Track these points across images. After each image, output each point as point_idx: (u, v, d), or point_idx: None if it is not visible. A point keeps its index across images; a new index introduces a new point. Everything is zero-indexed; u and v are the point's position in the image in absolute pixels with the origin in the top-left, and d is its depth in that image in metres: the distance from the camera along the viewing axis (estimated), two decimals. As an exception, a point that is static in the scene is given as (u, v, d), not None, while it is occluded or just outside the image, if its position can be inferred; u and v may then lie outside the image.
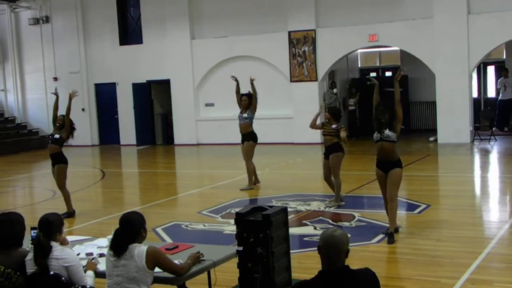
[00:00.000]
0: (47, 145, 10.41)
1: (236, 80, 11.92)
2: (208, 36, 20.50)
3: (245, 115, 11.78)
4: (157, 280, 4.65)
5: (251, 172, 11.89)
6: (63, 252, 4.60)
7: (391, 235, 7.75)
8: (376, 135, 7.85)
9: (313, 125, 10.41)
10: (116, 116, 22.28)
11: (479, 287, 6.16)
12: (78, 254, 5.14)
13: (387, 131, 7.75)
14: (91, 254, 5.40)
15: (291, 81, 19.37)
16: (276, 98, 19.22)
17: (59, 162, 10.13)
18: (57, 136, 10.01)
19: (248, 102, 11.75)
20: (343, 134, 9.79)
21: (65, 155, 10.23)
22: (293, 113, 19.23)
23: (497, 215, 9.54)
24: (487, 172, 13.93)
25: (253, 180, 11.99)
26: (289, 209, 9.00)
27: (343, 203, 10.13)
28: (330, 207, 9.93)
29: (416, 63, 18.62)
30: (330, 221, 9.11)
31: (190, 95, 20.80)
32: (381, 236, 8.13)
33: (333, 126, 9.93)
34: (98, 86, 22.64)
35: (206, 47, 20.45)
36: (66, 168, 10.20)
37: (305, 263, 7.02)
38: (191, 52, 20.68)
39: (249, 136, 11.83)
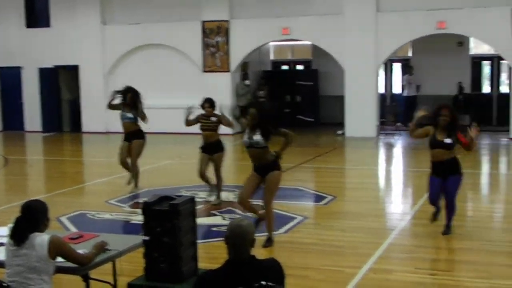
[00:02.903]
0: None
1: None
2: (119, 22, 20.10)
3: (129, 114, 10.50)
4: (59, 270, 4.53)
5: (138, 172, 10.82)
6: (-41, 241, 4.40)
7: (268, 239, 7.37)
8: (245, 139, 7.26)
9: (189, 123, 9.63)
10: (20, 101, 21.48)
11: (380, 276, 6.37)
12: (-24, 244, 4.94)
13: (256, 137, 7.14)
14: (-10, 243, 5.19)
15: (203, 71, 19.31)
16: (188, 87, 19.09)
17: None
18: None
19: (132, 99, 10.43)
20: (226, 120, 9.52)
21: None
22: (205, 103, 19.18)
23: (399, 207, 9.90)
24: (391, 166, 14.43)
25: (130, 178, 10.79)
26: (198, 200, 9.04)
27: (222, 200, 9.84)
28: (215, 204, 9.62)
29: (326, 57, 19.00)
30: (239, 212, 9.17)
31: (99, 82, 20.33)
32: (287, 226, 8.27)
33: (213, 118, 9.48)
34: (1, 70, 21.71)
35: (117, 33, 20.05)
36: None
37: (213, 253, 7.04)
38: (102, 37, 20.22)
39: (138, 134, 10.62)
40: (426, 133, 7.57)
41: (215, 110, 9.56)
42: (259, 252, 3.68)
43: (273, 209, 7.51)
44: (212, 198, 9.84)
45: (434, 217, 7.73)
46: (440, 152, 7.40)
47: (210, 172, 9.76)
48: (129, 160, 10.69)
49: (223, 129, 9.89)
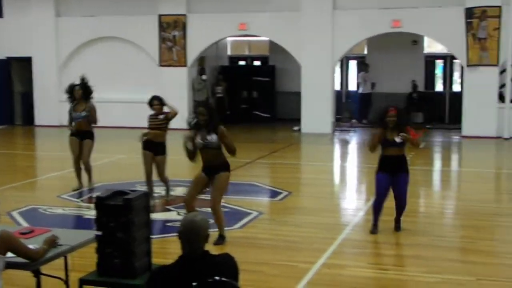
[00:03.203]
0: None
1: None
2: (74, 14, 19.78)
3: (83, 113, 10.22)
4: (9, 265, 4.43)
5: (91, 168, 10.54)
6: None
7: (220, 237, 7.28)
8: (199, 141, 7.09)
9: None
10: (-30, 93, 20.98)
11: (333, 271, 6.42)
12: None
13: (210, 136, 7.04)
14: None
15: (160, 65, 19.16)
16: (144, 82, 18.92)
17: None
18: None
19: (81, 94, 10.28)
20: (172, 112, 9.15)
21: None
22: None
23: (353, 203, 10.01)
24: (346, 162, 14.58)
25: (81, 181, 10.50)
26: (153, 195, 8.97)
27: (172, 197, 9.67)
28: (168, 200, 9.49)
29: (283, 53, 19.07)
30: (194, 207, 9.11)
31: (53, 75, 19.99)
32: (242, 221, 8.27)
33: (160, 116, 9.10)
34: (-49, 60, 21.17)
35: (72, 26, 19.73)
36: None
37: (167, 248, 7.01)
38: (56, 29, 19.88)
39: (89, 134, 10.41)
40: (379, 138, 7.56)
41: (164, 108, 9.23)
42: (212, 249, 3.66)
43: (221, 209, 7.38)
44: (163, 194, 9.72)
45: (374, 229, 7.73)
46: (391, 149, 7.50)
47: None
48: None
49: (176, 124, 9.70)
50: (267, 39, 20.12)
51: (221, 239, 7.27)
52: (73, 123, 10.36)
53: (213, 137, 7.04)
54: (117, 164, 13.11)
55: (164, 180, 9.45)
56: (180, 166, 12.33)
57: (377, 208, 7.70)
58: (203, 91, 19.41)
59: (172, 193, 9.78)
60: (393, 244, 7.43)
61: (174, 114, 9.24)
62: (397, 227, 7.76)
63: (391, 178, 7.53)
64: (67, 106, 10.70)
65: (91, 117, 10.30)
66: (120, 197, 4.78)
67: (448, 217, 9.19)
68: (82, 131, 10.33)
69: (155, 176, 9.44)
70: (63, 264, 5.15)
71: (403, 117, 7.57)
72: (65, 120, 18.39)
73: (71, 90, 10.40)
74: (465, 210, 9.22)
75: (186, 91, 18.85)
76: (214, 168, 7.18)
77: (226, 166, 7.24)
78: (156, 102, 9.15)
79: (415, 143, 7.68)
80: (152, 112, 9.22)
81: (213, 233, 6.96)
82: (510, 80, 17.06)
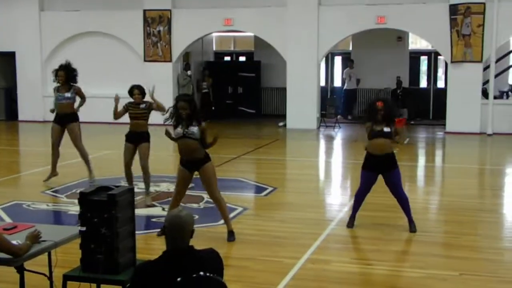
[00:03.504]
0: None
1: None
2: (58, 9, 19.66)
3: (67, 94, 10.07)
4: (-8, 261, 4.41)
5: (88, 157, 10.49)
6: None
7: (230, 233, 7.29)
8: (178, 131, 6.99)
9: (118, 115, 9.10)
10: (-48, 88, 20.79)
11: (318, 266, 6.44)
12: None
13: (191, 128, 6.95)
14: None
15: (144, 60, 19.09)
16: (129, 77, 18.70)
17: None
18: None
19: (65, 77, 10.09)
20: (157, 103, 8.87)
21: None
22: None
23: (338, 198, 10.05)
24: (331, 158, 14.61)
25: (55, 168, 10.48)
26: (138, 190, 8.93)
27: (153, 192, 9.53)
28: (147, 203, 8.99)
29: (269, 49, 19.06)
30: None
31: (37, 70, 19.85)
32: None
33: (142, 106, 8.91)
34: None
35: (56, 20, 19.60)
36: None
37: (152, 244, 7.00)
38: (40, 24, 19.72)
39: (73, 117, 10.26)
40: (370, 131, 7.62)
41: (145, 97, 9.08)
42: (200, 244, 3.66)
43: (222, 197, 7.33)
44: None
45: (352, 223, 7.80)
46: (380, 141, 7.47)
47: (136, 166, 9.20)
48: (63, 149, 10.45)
49: (154, 119, 9.51)
50: (253, 34, 20.10)
51: (232, 235, 7.23)
52: (55, 104, 10.19)
53: (194, 129, 6.95)
54: (102, 159, 13.03)
55: (145, 170, 8.96)
56: (164, 162, 12.33)
57: (357, 199, 7.78)
58: (188, 87, 19.38)
59: (157, 188, 9.74)
60: (377, 239, 7.46)
61: (158, 108, 8.90)
62: (411, 227, 7.64)
63: (376, 176, 7.58)
64: (51, 101, 10.60)
65: (80, 96, 10.20)
66: (104, 192, 4.76)
67: (432, 212, 9.24)
68: (66, 114, 10.18)
69: (135, 171, 9.26)
70: (46, 260, 5.13)
71: (391, 109, 7.62)
72: (49, 116, 18.37)
73: (55, 74, 10.22)
74: (448, 206, 9.28)
75: (172, 87, 18.79)
76: (195, 162, 7.08)
77: (207, 156, 7.14)
78: (136, 91, 8.98)
79: (399, 132, 7.74)
80: (131, 100, 9.01)
81: (200, 229, 6.94)
82: (494, 76, 17.20)
